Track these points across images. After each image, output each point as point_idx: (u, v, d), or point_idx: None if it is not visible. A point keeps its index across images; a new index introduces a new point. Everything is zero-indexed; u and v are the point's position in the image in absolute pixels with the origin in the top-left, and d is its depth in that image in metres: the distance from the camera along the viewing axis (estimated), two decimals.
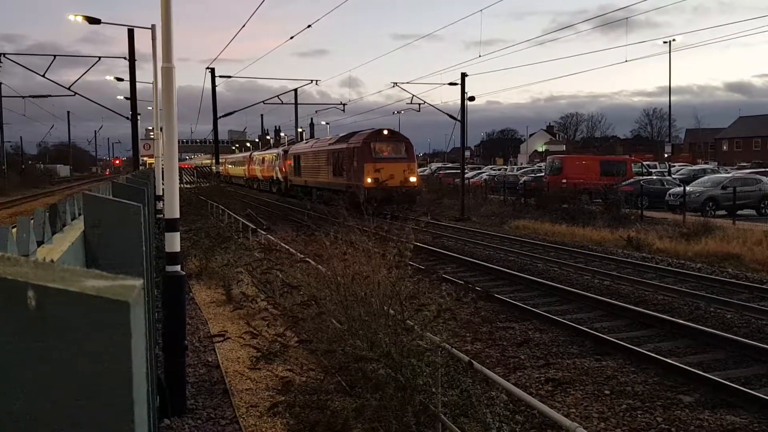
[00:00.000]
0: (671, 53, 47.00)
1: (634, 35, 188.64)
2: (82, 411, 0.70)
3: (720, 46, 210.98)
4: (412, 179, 29.86)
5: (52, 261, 1.50)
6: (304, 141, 48.59)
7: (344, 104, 50.42)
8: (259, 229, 16.44)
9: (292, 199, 38.73)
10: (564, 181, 34.17)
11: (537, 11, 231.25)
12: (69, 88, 28.95)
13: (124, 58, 27.70)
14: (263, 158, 54.07)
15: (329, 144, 35.30)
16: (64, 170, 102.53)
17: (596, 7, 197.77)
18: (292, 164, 42.28)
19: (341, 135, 35.24)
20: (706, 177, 33.66)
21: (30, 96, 39.20)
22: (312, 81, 44.47)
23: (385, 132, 30.75)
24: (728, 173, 36.96)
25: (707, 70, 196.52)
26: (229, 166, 74.16)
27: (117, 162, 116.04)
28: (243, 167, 64.29)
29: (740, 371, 8.42)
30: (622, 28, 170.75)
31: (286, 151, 45.18)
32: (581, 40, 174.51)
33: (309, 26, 29.05)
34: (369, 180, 28.32)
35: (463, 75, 31.51)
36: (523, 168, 62.62)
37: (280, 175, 46.40)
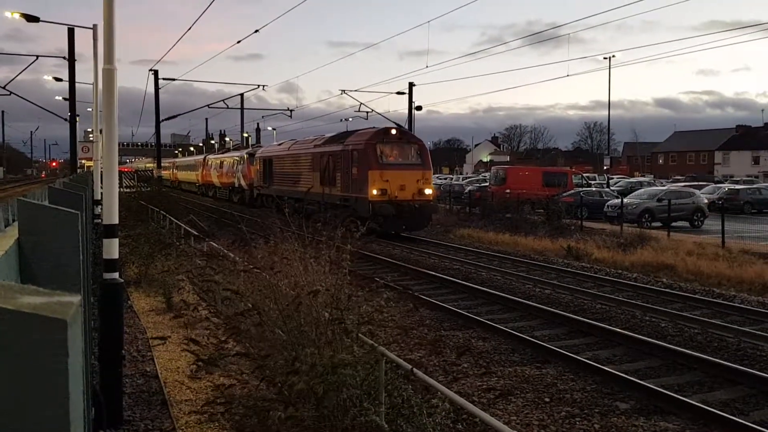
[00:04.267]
0: (611, 69, 48.38)
1: (562, 51, 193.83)
2: (16, 430, 0.68)
3: (646, 64, 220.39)
4: (428, 191, 24.67)
5: None
6: (277, 143, 42.48)
7: (291, 110, 50.06)
8: (201, 236, 16.14)
9: (258, 210, 33.05)
10: (508, 191, 34.78)
11: (466, 25, 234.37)
12: (5, 87, 27.90)
13: (64, 57, 26.90)
14: (221, 162, 47.87)
15: (315, 146, 29.09)
16: None
17: (524, 21, 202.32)
18: (261, 170, 35.94)
19: (330, 135, 29.42)
20: (642, 189, 34.78)
21: None
22: (259, 86, 43.78)
23: (393, 131, 25.44)
24: (664, 186, 38.30)
25: (636, 86, 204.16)
26: (178, 170, 68.07)
27: (54, 164, 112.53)
28: (195, 172, 58.04)
29: (673, 378, 8.71)
30: (551, 43, 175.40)
31: (252, 154, 39.40)
32: (512, 54, 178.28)
33: (257, 31, 28.49)
34: (375, 192, 23.60)
35: (411, 84, 31.78)
36: (469, 177, 63.45)
37: (243, 183, 40.80)
